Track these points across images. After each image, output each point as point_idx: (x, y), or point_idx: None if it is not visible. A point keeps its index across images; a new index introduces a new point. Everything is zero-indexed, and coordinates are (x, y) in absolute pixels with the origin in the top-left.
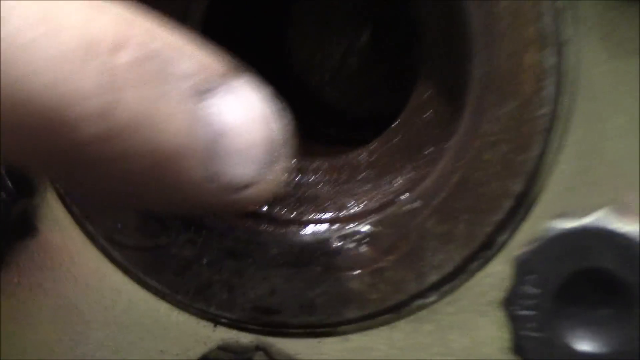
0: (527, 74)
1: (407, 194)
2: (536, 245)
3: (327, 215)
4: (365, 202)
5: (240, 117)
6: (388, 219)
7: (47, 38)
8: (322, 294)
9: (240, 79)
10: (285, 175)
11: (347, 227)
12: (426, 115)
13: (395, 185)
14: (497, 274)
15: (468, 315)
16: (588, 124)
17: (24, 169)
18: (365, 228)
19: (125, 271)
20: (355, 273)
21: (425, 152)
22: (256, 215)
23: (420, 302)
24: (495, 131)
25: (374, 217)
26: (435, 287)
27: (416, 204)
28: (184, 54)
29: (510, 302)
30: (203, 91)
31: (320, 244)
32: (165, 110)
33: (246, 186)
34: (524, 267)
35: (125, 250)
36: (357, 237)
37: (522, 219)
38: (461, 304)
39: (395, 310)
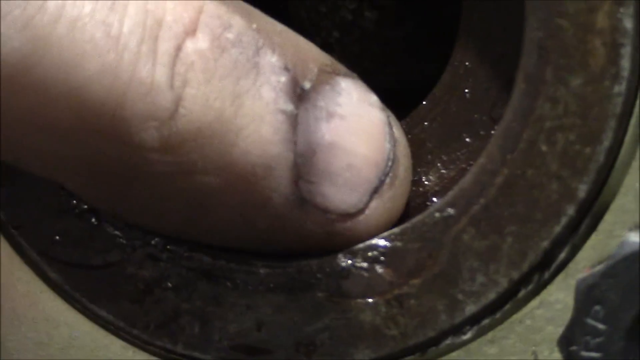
0: (599, 39)
1: (439, 197)
2: (605, 266)
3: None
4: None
5: (348, 126)
6: (413, 231)
7: (102, 14)
8: (325, 329)
9: (349, 77)
10: (403, 203)
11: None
12: (465, 92)
13: (423, 184)
14: (553, 303)
15: (515, 358)
16: None
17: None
18: (382, 242)
19: (65, 296)
20: (368, 301)
21: (463, 142)
22: None
23: (453, 340)
24: (554, 115)
25: (394, 228)
26: (473, 320)
27: (450, 211)
28: (274, 42)
29: (571, 340)
30: (301, 89)
31: (323, 263)
32: (248, 112)
33: (349, 215)
34: (588, 296)
35: (64, 269)
36: (372, 254)
37: (589, 232)
38: (506, 342)
39: (420, 350)
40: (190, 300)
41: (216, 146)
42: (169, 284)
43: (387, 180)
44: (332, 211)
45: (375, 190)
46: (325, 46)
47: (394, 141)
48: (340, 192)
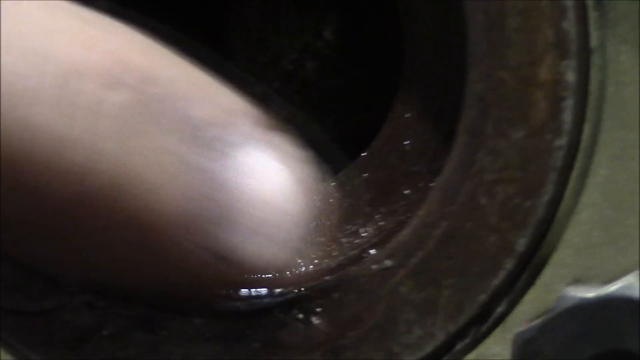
0: (540, 93)
1: (377, 249)
2: (543, 320)
3: (268, 275)
4: (320, 259)
5: (273, 182)
6: (350, 282)
7: (23, 64)
8: None
9: (273, 134)
10: (328, 257)
11: (294, 291)
12: (405, 144)
13: (360, 236)
14: (490, 357)
15: None
16: (617, 161)
17: None
18: (318, 294)
19: (0, 342)
20: (304, 353)
21: (402, 194)
22: None
23: None
24: (495, 168)
25: (332, 279)
26: None
27: (388, 263)
28: (201, 95)
29: None
30: (220, 144)
31: (259, 313)
32: (166, 168)
33: (271, 270)
34: (526, 350)
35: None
36: (309, 304)
37: (527, 285)
38: None
39: None
40: (126, 349)
41: (131, 202)
42: (105, 332)
43: (311, 236)
44: (253, 267)
45: (299, 245)
46: (265, 96)
47: (321, 197)
48: (261, 248)
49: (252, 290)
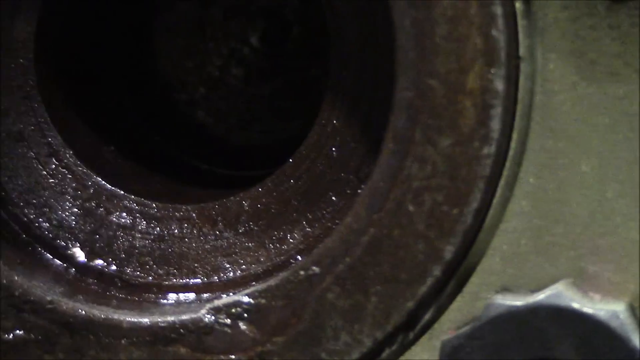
0: (469, 100)
1: (303, 256)
2: (471, 328)
3: (196, 281)
4: (247, 264)
5: None
6: (277, 288)
7: None
8: None
9: None
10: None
11: (222, 297)
12: (332, 151)
13: (288, 242)
14: None
15: None
16: (545, 169)
17: None
18: (245, 299)
19: None
20: (231, 358)
21: (329, 200)
22: (102, 276)
23: None
24: (423, 176)
25: (258, 286)
26: None
27: (315, 269)
28: None
29: None
30: None
31: (186, 319)
32: None
33: None
34: (453, 357)
35: None
36: (235, 310)
37: (455, 293)
38: None
39: None
40: (53, 352)
41: None
42: (32, 336)
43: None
44: None
45: None
46: (191, 102)
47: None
48: None
49: (179, 294)
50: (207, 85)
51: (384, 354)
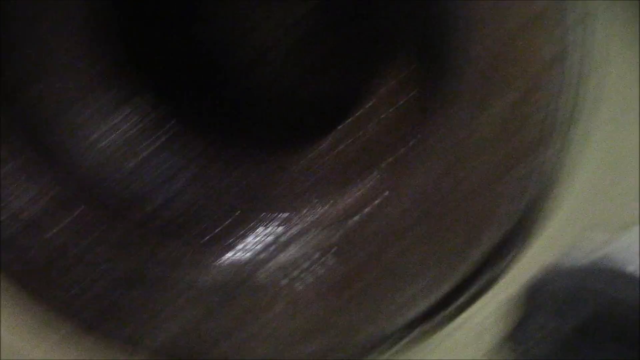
0: (529, 57)
1: (368, 210)
2: (546, 274)
3: (254, 237)
4: (308, 219)
5: None
6: (339, 244)
7: None
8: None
9: None
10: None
11: (280, 254)
12: (399, 104)
13: (352, 196)
14: (482, 321)
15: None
16: (613, 123)
17: None
18: (304, 255)
19: None
20: (289, 316)
21: (392, 156)
22: (162, 231)
23: (376, 356)
24: (489, 131)
25: (319, 240)
26: (398, 335)
27: (380, 222)
28: None
29: (512, 345)
30: None
31: (242, 275)
32: None
33: None
34: (529, 304)
35: None
36: (293, 267)
37: (521, 248)
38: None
39: None
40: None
41: None
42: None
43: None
44: None
45: None
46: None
47: None
48: None
49: None
50: (262, 47)
51: (450, 308)
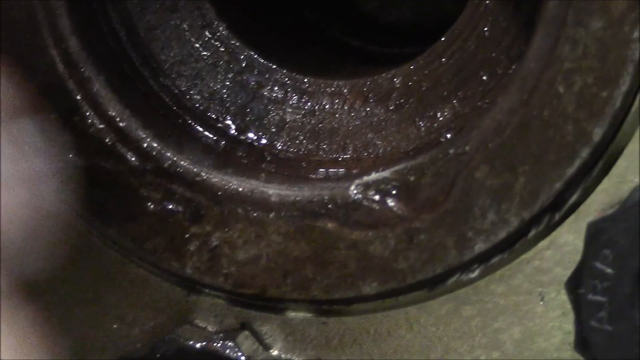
0: None
1: (453, 134)
2: (617, 211)
3: (346, 156)
4: (397, 141)
5: None
6: (425, 165)
7: None
8: (333, 261)
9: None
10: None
11: (371, 173)
12: (484, 30)
13: (438, 120)
14: (563, 245)
15: (522, 297)
16: None
17: None
18: (394, 176)
19: None
20: (378, 234)
21: (480, 80)
22: (252, 150)
23: (461, 277)
24: (573, 57)
25: (407, 162)
26: (482, 258)
27: (464, 148)
28: None
29: (578, 283)
30: None
31: (334, 193)
32: None
33: None
34: (598, 239)
35: None
36: (384, 186)
37: (602, 175)
38: (514, 282)
39: (427, 285)
40: (201, 224)
41: None
42: (180, 208)
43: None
44: None
45: None
46: None
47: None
48: None
49: (328, 170)
50: None
51: (530, 234)
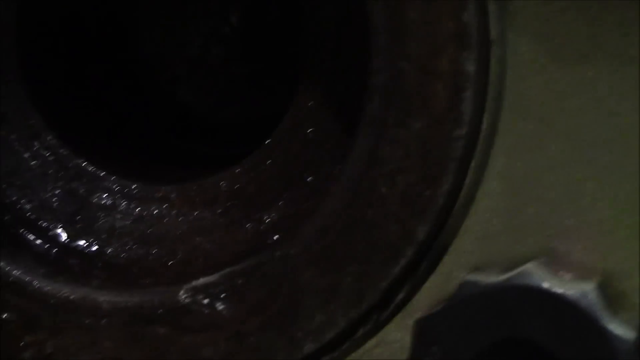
0: (441, 83)
1: (280, 236)
2: (444, 307)
3: (176, 261)
4: (226, 244)
5: None
6: (253, 269)
7: None
8: None
9: None
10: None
11: (199, 278)
12: (308, 131)
13: (265, 223)
14: (392, 343)
15: None
16: (515, 150)
17: None
18: (222, 279)
19: None
20: (209, 338)
21: (305, 182)
22: (83, 257)
23: None
24: (396, 158)
25: (235, 266)
26: (311, 358)
27: (291, 250)
28: None
29: None
30: None
31: (164, 299)
32: None
33: None
34: (426, 335)
35: None
36: (212, 290)
37: (428, 273)
38: None
39: None
40: (35, 333)
41: None
42: (14, 317)
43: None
44: None
45: None
46: (172, 80)
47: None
48: None
49: (159, 275)
50: (188, 64)
51: (359, 333)
